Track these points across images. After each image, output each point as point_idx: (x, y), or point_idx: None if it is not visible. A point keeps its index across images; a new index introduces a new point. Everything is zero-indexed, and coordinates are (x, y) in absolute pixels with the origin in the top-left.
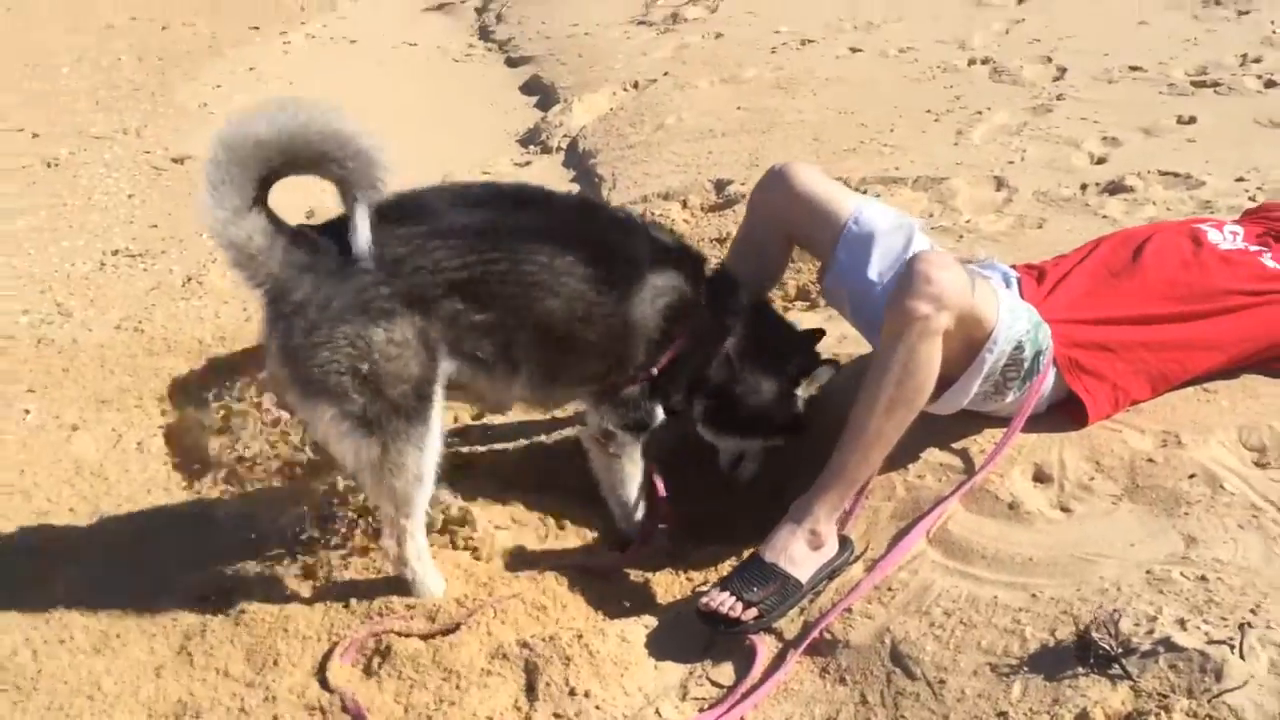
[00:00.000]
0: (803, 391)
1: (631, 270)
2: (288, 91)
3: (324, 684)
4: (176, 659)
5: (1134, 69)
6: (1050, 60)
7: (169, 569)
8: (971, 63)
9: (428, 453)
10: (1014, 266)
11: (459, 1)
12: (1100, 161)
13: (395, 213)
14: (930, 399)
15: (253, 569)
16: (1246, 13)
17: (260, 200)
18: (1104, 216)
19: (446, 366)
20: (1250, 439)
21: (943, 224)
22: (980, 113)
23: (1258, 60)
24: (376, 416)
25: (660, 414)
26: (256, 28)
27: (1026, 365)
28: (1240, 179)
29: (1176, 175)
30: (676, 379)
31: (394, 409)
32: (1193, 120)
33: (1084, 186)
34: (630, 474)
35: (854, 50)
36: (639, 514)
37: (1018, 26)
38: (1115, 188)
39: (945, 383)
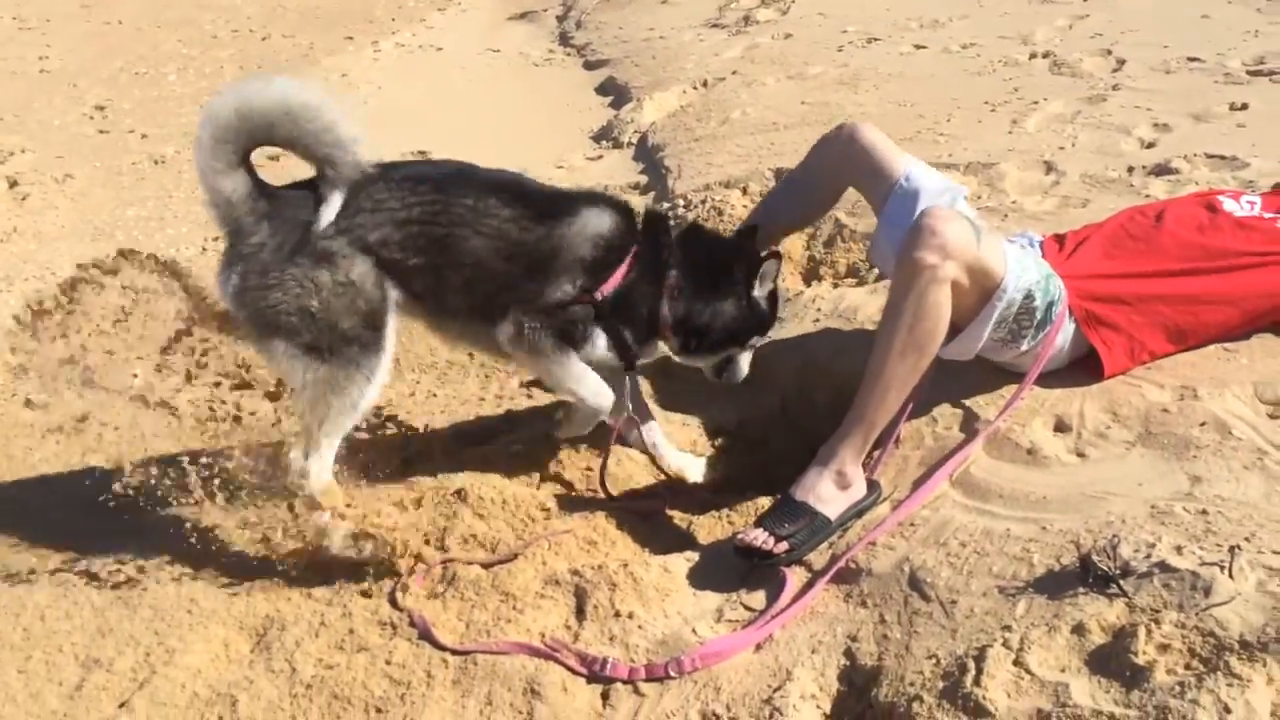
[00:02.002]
0: (759, 290)
1: (556, 208)
2: (376, 96)
3: (394, 604)
4: (267, 581)
5: (1192, 60)
6: (1110, 53)
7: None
8: (1033, 56)
9: (372, 384)
10: (1040, 236)
11: (541, 10)
12: (1149, 146)
13: None
14: (945, 344)
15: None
16: None
17: (245, 159)
18: (1147, 196)
19: (396, 298)
20: (1266, 393)
21: (989, 204)
22: (1036, 103)
23: None
24: (329, 345)
25: (602, 345)
26: (351, 38)
27: (1039, 315)
28: None
29: (1223, 158)
30: (627, 313)
31: (346, 339)
32: (1244, 107)
33: (1130, 169)
34: (568, 370)
35: (918, 47)
36: (603, 398)
37: (1081, 22)
38: (1161, 170)
39: (960, 330)
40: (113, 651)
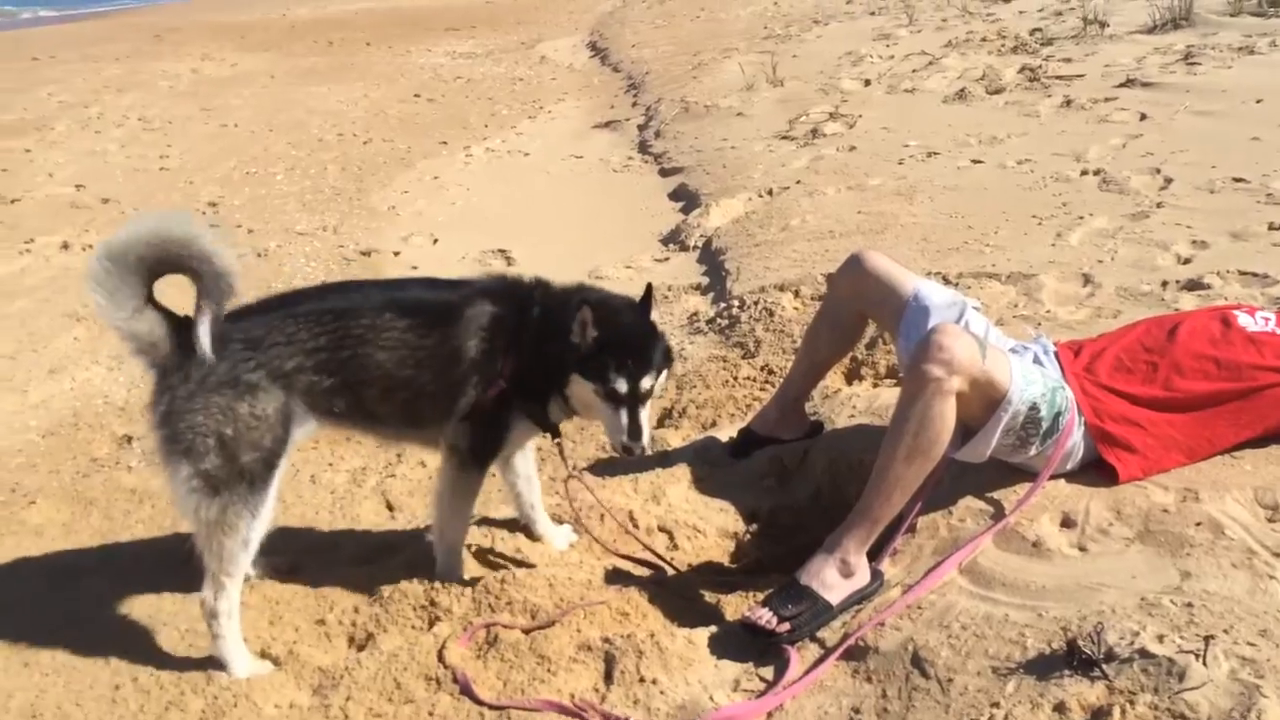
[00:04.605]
0: (577, 336)
1: (445, 311)
2: (464, 198)
3: (441, 661)
4: (325, 640)
5: (1237, 180)
6: (1159, 172)
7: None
8: (1084, 173)
9: (259, 520)
10: (1056, 343)
11: (624, 119)
12: (1185, 262)
13: (260, 304)
14: (956, 448)
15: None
16: None
17: (150, 296)
18: (1177, 309)
19: (302, 433)
20: (1265, 498)
21: (1024, 313)
22: (1082, 218)
23: None
24: (225, 480)
25: (523, 426)
26: (445, 142)
27: (1045, 424)
28: None
29: (1255, 275)
30: (533, 383)
31: (240, 474)
32: None
33: (1165, 284)
34: (461, 491)
35: (975, 162)
36: (451, 554)
37: (1135, 141)
38: (1194, 285)
39: (970, 434)
40: (190, 693)
